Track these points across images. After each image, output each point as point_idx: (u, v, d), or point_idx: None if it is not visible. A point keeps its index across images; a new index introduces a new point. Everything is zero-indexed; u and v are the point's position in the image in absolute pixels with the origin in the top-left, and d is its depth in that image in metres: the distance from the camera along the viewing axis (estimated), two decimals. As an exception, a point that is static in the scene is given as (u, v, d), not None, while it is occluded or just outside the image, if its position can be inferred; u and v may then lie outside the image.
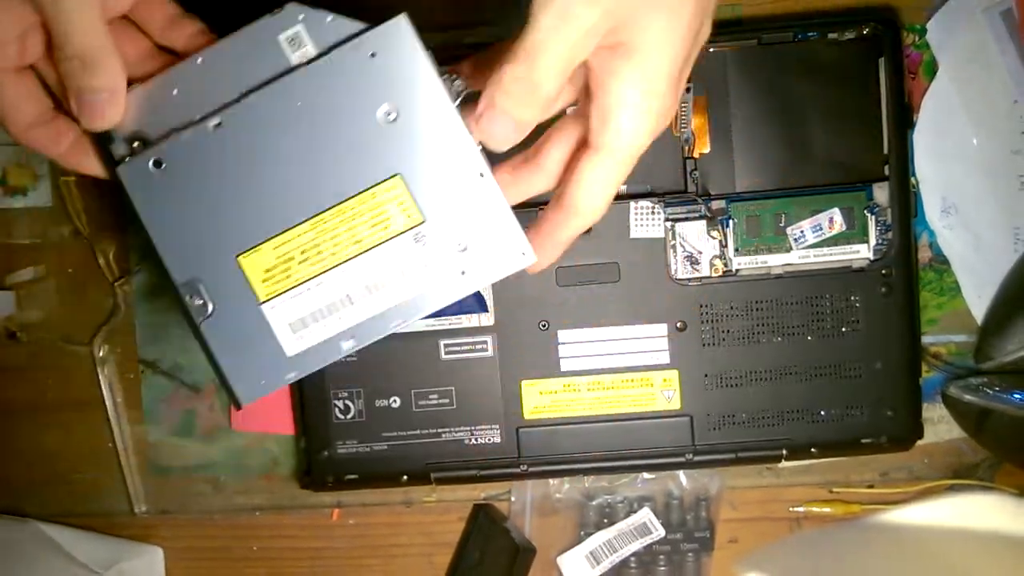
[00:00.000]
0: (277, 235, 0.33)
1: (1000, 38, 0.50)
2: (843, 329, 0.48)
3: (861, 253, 0.48)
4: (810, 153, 0.48)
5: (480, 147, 0.32)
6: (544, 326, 0.49)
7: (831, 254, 0.48)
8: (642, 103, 0.29)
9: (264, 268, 0.33)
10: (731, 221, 0.48)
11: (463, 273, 0.33)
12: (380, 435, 0.50)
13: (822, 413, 0.49)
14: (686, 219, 0.48)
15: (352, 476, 0.50)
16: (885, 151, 0.48)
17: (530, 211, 0.48)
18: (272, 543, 0.56)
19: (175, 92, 0.33)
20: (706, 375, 0.49)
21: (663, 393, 0.49)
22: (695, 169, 0.48)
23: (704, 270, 0.49)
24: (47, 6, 0.30)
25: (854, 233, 0.48)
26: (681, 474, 0.53)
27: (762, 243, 0.48)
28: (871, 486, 0.53)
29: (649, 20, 0.28)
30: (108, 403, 0.56)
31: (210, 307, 0.34)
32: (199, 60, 0.33)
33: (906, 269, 0.48)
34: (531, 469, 0.50)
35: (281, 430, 0.55)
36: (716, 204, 0.48)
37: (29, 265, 0.56)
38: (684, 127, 0.48)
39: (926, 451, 0.52)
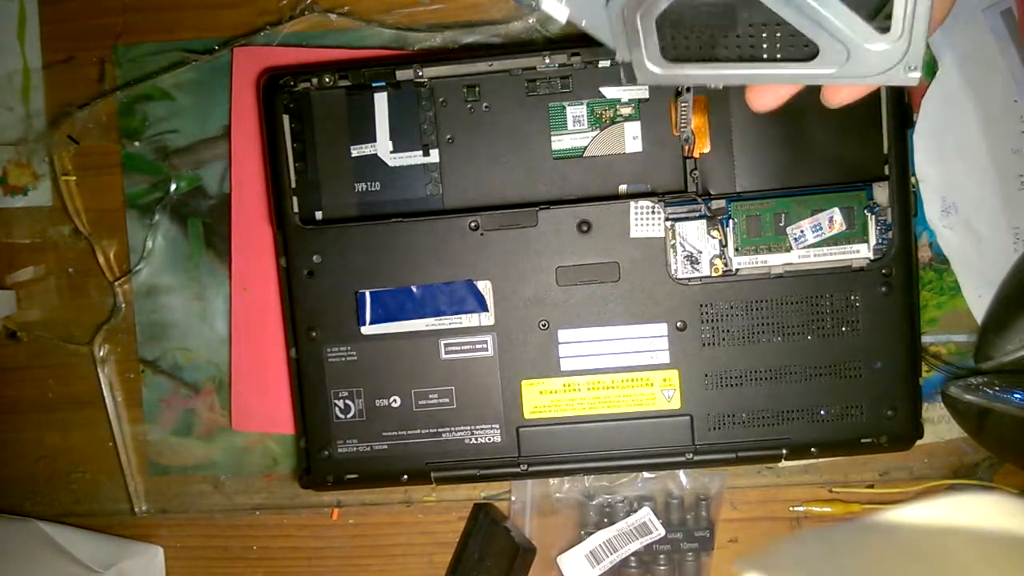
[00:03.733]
0: None
1: (1000, 38, 0.50)
2: (843, 329, 0.48)
3: (861, 253, 0.48)
4: (810, 153, 0.48)
5: None
6: (544, 326, 0.49)
7: (831, 254, 0.48)
8: None
9: None
10: (731, 221, 0.48)
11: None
12: (380, 435, 0.50)
13: (822, 413, 0.49)
14: (686, 219, 0.48)
15: (352, 476, 0.50)
16: (885, 151, 0.48)
17: (530, 209, 0.48)
18: (272, 543, 0.56)
19: None
20: (706, 375, 0.49)
21: (663, 393, 0.49)
22: (695, 169, 0.48)
23: (704, 270, 0.49)
24: None
25: (854, 233, 0.48)
26: (681, 474, 0.53)
27: (762, 243, 0.48)
28: (871, 486, 0.53)
29: None
30: (108, 403, 0.56)
31: None
32: None
33: (906, 269, 0.48)
34: (531, 469, 0.50)
35: (281, 430, 0.55)
36: (716, 204, 0.48)
37: (29, 265, 0.56)
38: (684, 127, 0.48)
39: (926, 451, 0.52)
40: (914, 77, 0.29)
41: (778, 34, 0.28)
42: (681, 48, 0.29)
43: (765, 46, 0.29)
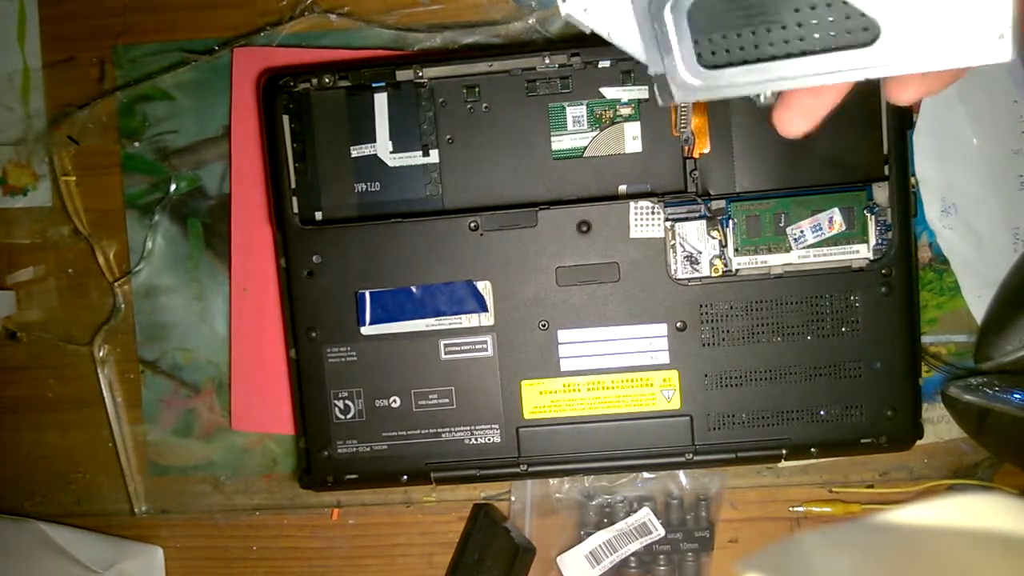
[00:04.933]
0: None
1: (1000, 38, 0.50)
2: (843, 329, 0.48)
3: (861, 253, 0.48)
4: (810, 153, 0.48)
5: None
6: (544, 326, 0.49)
7: (831, 254, 0.48)
8: None
9: None
10: (731, 221, 0.48)
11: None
12: (380, 435, 0.50)
13: (822, 413, 0.49)
14: (686, 219, 0.48)
15: (352, 476, 0.50)
16: (885, 151, 0.48)
17: (530, 209, 0.48)
18: (272, 543, 0.56)
19: None
20: (706, 375, 0.49)
21: (663, 393, 0.49)
22: (695, 169, 0.48)
23: (704, 270, 0.49)
24: None
25: (854, 233, 0.48)
26: (681, 474, 0.53)
27: (762, 243, 0.48)
28: (871, 486, 0.53)
29: None
30: (108, 403, 0.56)
31: None
32: None
33: (906, 269, 0.48)
34: (531, 469, 0.50)
35: (281, 430, 0.55)
36: (716, 204, 0.48)
37: (29, 265, 0.56)
38: (684, 127, 0.48)
39: (926, 451, 0.52)
40: (1004, 47, 0.23)
41: (831, 18, 0.24)
42: (720, 51, 0.26)
43: (817, 35, 0.25)
